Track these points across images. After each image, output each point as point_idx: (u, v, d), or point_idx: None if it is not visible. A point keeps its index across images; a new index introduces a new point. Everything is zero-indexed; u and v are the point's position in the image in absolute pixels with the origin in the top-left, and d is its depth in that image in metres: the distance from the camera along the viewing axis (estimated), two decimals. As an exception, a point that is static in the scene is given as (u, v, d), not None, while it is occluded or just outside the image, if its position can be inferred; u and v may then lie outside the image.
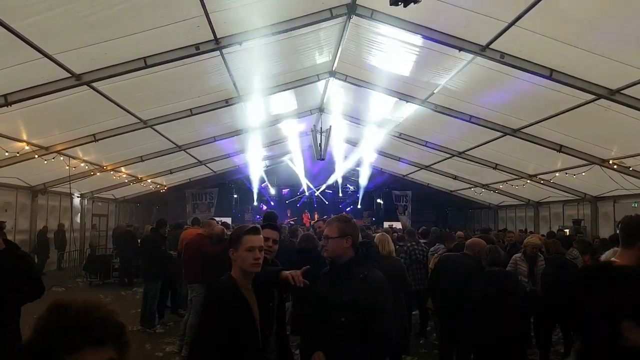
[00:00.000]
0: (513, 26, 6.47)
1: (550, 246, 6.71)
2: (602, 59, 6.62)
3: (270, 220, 5.32)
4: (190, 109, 10.49)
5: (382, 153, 17.49)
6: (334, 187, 24.01)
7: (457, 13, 6.57)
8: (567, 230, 13.04)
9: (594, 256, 6.98)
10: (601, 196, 13.36)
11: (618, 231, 2.59)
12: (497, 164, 14.03)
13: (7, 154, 9.72)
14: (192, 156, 15.31)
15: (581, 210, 14.86)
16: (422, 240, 8.20)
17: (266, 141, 16.33)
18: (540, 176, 13.76)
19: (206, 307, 2.62)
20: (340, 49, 9.45)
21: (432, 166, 16.88)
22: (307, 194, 24.16)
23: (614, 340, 1.34)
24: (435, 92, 9.96)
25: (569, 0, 5.96)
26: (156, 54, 7.37)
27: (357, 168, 21.13)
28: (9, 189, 12.50)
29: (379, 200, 24.73)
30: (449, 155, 14.51)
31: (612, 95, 7.42)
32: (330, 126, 13.46)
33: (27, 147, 9.90)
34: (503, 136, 11.18)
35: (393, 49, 8.63)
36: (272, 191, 23.92)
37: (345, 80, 11.13)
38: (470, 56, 7.82)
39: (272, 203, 23.27)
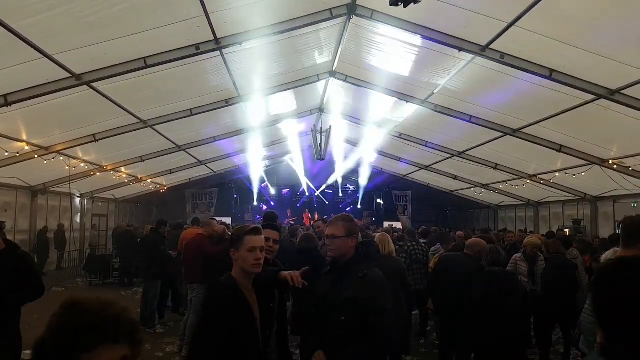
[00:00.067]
0: (513, 26, 6.46)
1: (550, 246, 6.72)
2: (602, 59, 6.61)
3: (270, 221, 5.32)
4: (190, 109, 10.49)
5: (382, 153, 17.48)
6: (334, 187, 24.02)
7: (456, 13, 6.57)
8: (567, 230, 13.03)
9: (594, 256, 6.96)
10: (601, 196, 13.35)
11: (619, 231, 2.59)
12: (497, 164, 14.03)
13: (7, 154, 9.72)
14: (192, 156, 15.30)
15: (581, 210, 14.85)
16: (422, 240, 8.20)
17: (266, 141, 16.32)
18: (540, 176, 13.76)
19: (206, 307, 2.62)
20: (340, 49, 9.45)
21: (432, 166, 16.87)
22: (307, 194, 24.17)
23: None
24: (435, 92, 9.96)
25: (569, 0, 5.96)
26: (156, 54, 7.37)
27: (357, 168, 21.11)
28: (8, 189, 12.50)
29: (379, 200, 24.73)
30: (449, 155, 14.50)
31: (612, 95, 7.42)
32: (330, 126, 13.45)
33: (27, 147, 9.89)
34: (503, 136, 11.18)
35: (393, 49, 8.63)
36: (272, 191, 23.94)
37: (345, 81, 11.13)
38: (470, 56, 7.82)
39: (272, 203, 23.28)
